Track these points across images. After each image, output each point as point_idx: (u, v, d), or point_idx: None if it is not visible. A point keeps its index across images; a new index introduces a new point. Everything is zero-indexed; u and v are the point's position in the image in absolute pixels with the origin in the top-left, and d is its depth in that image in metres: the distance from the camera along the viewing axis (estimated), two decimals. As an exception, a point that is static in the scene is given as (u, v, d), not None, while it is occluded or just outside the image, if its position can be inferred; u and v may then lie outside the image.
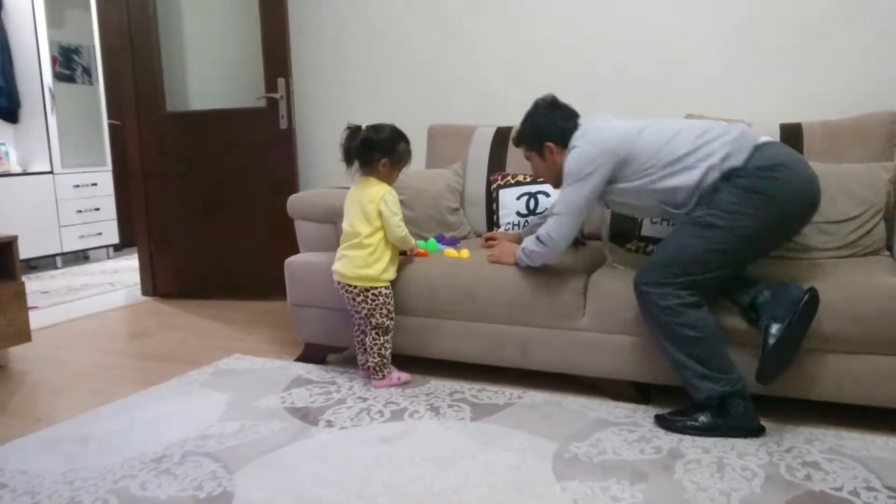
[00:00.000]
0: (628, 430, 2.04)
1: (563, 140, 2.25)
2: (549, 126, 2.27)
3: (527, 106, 2.75)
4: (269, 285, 3.68)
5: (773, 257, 2.39)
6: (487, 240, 2.74)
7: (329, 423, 2.14)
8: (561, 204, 2.18)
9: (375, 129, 2.38)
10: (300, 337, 2.77)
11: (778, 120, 2.68)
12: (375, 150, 2.36)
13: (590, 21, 3.17)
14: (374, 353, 2.40)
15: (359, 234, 2.35)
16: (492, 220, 3.01)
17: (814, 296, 1.90)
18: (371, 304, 2.37)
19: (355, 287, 2.36)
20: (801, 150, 2.55)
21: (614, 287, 2.22)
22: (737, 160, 1.98)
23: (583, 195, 2.14)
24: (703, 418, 2.00)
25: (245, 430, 2.11)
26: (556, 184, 2.31)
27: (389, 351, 2.42)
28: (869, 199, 2.34)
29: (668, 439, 1.97)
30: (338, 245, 2.72)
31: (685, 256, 1.99)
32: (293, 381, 2.53)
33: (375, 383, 2.43)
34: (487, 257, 2.45)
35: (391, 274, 2.41)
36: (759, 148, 2.01)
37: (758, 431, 1.98)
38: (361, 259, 2.35)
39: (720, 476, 1.75)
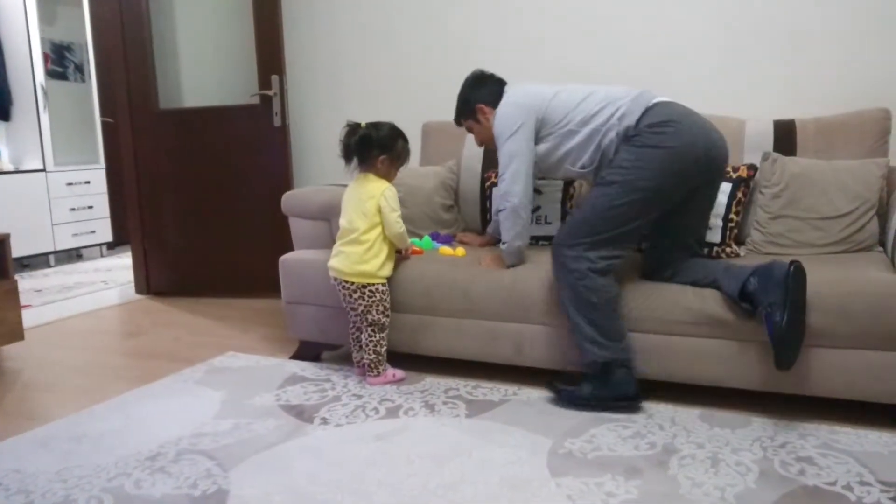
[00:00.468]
0: (623, 426, 2.04)
1: (494, 101, 2.40)
2: (477, 92, 2.44)
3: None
4: (264, 283, 3.67)
5: (766, 252, 2.40)
6: (461, 241, 2.80)
7: (324, 421, 2.13)
8: (503, 162, 2.28)
9: (375, 126, 2.39)
10: (294, 334, 2.77)
11: (771, 116, 2.69)
12: (374, 147, 2.36)
13: (582, 18, 3.17)
14: (369, 349, 2.40)
15: (356, 229, 2.34)
16: (485, 218, 3.01)
17: (798, 268, 1.91)
18: (368, 301, 2.37)
19: (352, 283, 2.36)
20: (794, 146, 2.57)
21: (609, 283, 2.23)
22: (630, 119, 2.12)
23: (519, 144, 2.25)
24: (585, 388, 2.14)
25: (240, 427, 2.11)
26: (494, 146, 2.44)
27: (385, 348, 2.42)
28: (862, 196, 2.35)
29: (663, 435, 1.97)
30: (333, 242, 2.73)
31: (592, 216, 2.12)
32: (288, 378, 2.53)
33: (370, 380, 2.43)
34: (481, 264, 2.45)
35: (388, 271, 2.41)
36: (652, 107, 2.13)
37: (637, 399, 2.12)
38: (358, 255, 2.34)
39: (714, 471, 1.75)
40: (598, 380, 2.13)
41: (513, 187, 2.25)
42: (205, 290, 3.96)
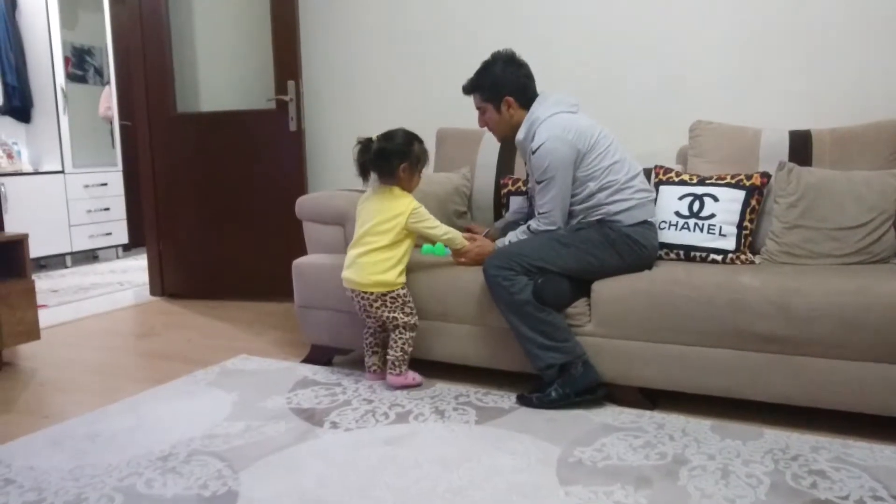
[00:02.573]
0: (633, 435, 2.03)
1: (524, 98, 2.38)
2: (511, 80, 2.37)
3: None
4: (277, 286, 3.69)
5: (781, 262, 2.39)
6: (468, 230, 2.71)
7: (334, 425, 2.14)
8: (551, 199, 2.31)
9: (387, 137, 2.38)
10: (307, 338, 2.78)
11: (787, 127, 2.67)
12: (392, 157, 2.36)
13: (599, 28, 3.17)
14: (396, 347, 2.40)
15: (376, 242, 2.34)
16: (499, 224, 3.01)
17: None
18: (391, 307, 2.37)
19: (371, 294, 2.36)
20: (810, 157, 2.55)
21: (619, 292, 2.22)
22: (626, 218, 2.29)
23: (566, 181, 2.29)
24: (553, 393, 2.21)
25: (251, 430, 2.12)
26: (504, 138, 2.48)
27: (411, 349, 2.43)
28: (878, 206, 2.33)
29: (674, 445, 1.96)
30: (345, 247, 2.73)
31: (530, 251, 2.25)
32: (299, 382, 2.54)
33: (392, 379, 2.42)
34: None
35: (404, 277, 2.42)
36: (648, 223, 2.33)
37: (598, 388, 2.21)
38: (376, 265, 2.34)
39: (725, 483, 1.74)
40: (560, 380, 2.21)
41: (555, 212, 2.32)
42: (219, 292, 3.99)
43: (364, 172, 2.39)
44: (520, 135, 2.40)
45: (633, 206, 2.32)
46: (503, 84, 2.37)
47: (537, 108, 2.35)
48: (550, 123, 2.30)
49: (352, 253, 2.40)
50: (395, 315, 2.38)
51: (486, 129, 2.51)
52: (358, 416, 2.21)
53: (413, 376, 2.45)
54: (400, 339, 2.40)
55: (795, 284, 2.05)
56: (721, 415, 2.17)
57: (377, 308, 2.37)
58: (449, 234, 2.42)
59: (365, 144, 2.38)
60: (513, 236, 2.40)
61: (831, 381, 1.99)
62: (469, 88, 2.45)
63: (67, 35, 5.15)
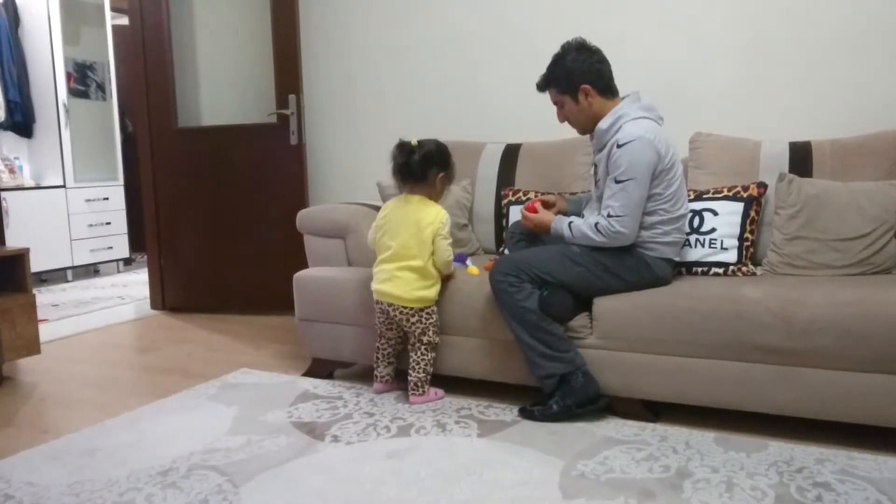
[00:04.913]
0: (636, 448, 2.02)
1: (601, 85, 2.29)
2: (585, 68, 2.27)
3: (535, 124, 2.75)
4: (279, 300, 3.68)
5: (783, 273, 2.38)
6: (539, 203, 2.48)
7: (335, 439, 2.13)
8: (624, 205, 2.18)
9: (428, 142, 2.38)
10: (307, 352, 2.77)
11: (787, 138, 2.68)
12: (434, 164, 2.36)
13: (598, 41, 3.18)
14: (419, 368, 2.39)
15: (414, 257, 2.33)
16: (501, 237, 3.01)
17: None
18: (425, 323, 2.37)
19: (410, 308, 2.35)
20: (810, 168, 2.55)
21: (620, 305, 2.22)
22: (657, 249, 2.26)
23: (644, 187, 2.19)
24: (554, 405, 2.20)
25: (251, 444, 2.10)
26: (584, 130, 2.38)
27: (433, 368, 2.42)
28: (880, 217, 2.32)
29: (677, 458, 1.95)
30: (346, 260, 2.73)
31: (538, 261, 2.23)
32: (300, 395, 2.53)
33: (415, 399, 2.40)
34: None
35: (438, 293, 2.42)
36: (671, 262, 2.32)
37: (600, 399, 2.21)
38: (419, 282, 2.34)
39: (729, 496, 1.73)
40: (560, 391, 2.20)
41: (626, 219, 2.18)
42: (220, 306, 3.98)
43: (406, 175, 2.36)
44: (603, 124, 2.26)
45: (669, 242, 2.28)
46: (578, 73, 2.26)
47: (628, 105, 2.26)
48: (642, 125, 2.20)
49: (387, 267, 2.36)
50: (427, 331, 2.37)
51: (486, 140, 2.50)
52: (359, 429, 2.20)
53: (435, 391, 2.44)
54: (423, 359, 2.39)
55: (797, 296, 2.05)
56: (725, 427, 2.16)
57: (413, 323, 2.36)
58: (451, 259, 2.42)
59: (407, 146, 2.36)
60: (576, 226, 2.25)
61: (835, 393, 1.98)
62: (543, 84, 2.35)
63: (70, 51, 5.17)
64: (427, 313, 2.38)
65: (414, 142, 2.37)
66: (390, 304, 2.37)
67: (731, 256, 2.42)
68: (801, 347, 1.99)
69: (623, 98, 2.32)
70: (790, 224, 2.43)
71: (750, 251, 2.45)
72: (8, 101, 4.93)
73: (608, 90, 2.31)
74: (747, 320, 2.05)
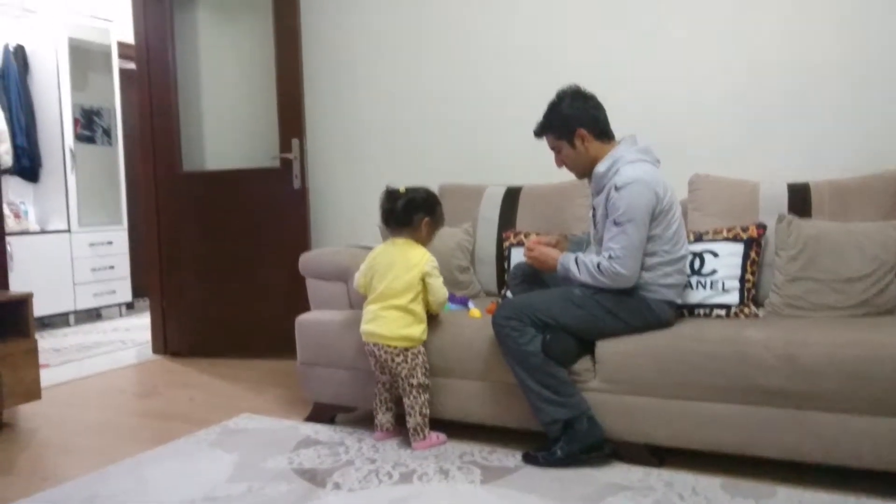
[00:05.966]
0: (642, 494, 1.99)
1: (597, 130, 2.33)
2: (581, 114, 2.32)
3: (535, 166, 2.78)
4: (281, 344, 3.67)
5: (785, 315, 2.38)
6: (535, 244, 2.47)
7: (337, 486, 2.10)
8: (624, 247, 2.18)
9: (415, 190, 2.45)
10: (309, 396, 2.75)
11: (785, 179, 2.70)
12: (419, 209, 2.42)
13: (596, 85, 3.23)
14: (415, 412, 2.37)
15: (399, 296, 2.36)
16: (502, 279, 3.01)
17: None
18: (411, 364, 2.36)
19: (394, 348, 2.36)
20: (809, 209, 2.57)
21: (623, 347, 2.21)
22: (658, 291, 2.25)
23: (643, 228, 2.20)
24: (559, 451, 2.18)
25: (252, 491, 2.08)
26: (582, 174, 2.41)
27: (428, 410, 2.40)
28: (880, 258, 2.33)
29: (684, 504, 1.92)
30: (349, 303, 2.74)
31: (541, 303, 2.24)
32: (301, 441, 2.51)
33: (417, 445, 2.38)
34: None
35: (426, 334, 2.42)
36: (673, 304, 2.31)
37: (604, 444, 2.19)
38: (403, 320, 2.36)
39: (738, 543, 1.69)
40: (565, 436, 2.18)
41: (627, 260, 2.18)
42: (222, 350, 3.97)
43: (391, 220, 2.43)
44: (600, 167, 2.30)
45: (670, 283, 2.28)
46: (574, 118, 2.31)
47: (624, 149, 2.29)
48: (639, 167, 2.23)
49: (373, 307, 2.40)
50: (414, 372, 2.36)
51: (486, 183, 2.52)
52: (361, 476, 2.17)
53: (437, 436, 2.42)
54: (416, 402, 2.37)
55: (800, 337, 2.04)
56: (732, 472, 2.13)
57: (398, 364, 2.36)
58: (446, 298, 2.45)
59: (394, 193, 2.44)
60: (582, 262, 2.25)
61: (842, 437, 1.96)
62: (540, 130, 2.40)
63: (77, 96, 5.25)
64: (413, 354, 2.37)
65: (402, 189, 2.44)
66: (376, 344, 2.38)
67: (732, 298, 2.42)
68: (806, 390, 1.98)
69: (619, 142, 2.36)
70: (791, 265, 2.43)
71: (752, 292, 2.45)
72: (15, 147, 4.99)
73: (604, 134, 2.35)
74: (751, 362, 2.04)
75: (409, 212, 2.42)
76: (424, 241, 2.46)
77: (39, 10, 5.05)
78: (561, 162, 2.42)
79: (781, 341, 2.04)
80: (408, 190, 2.44)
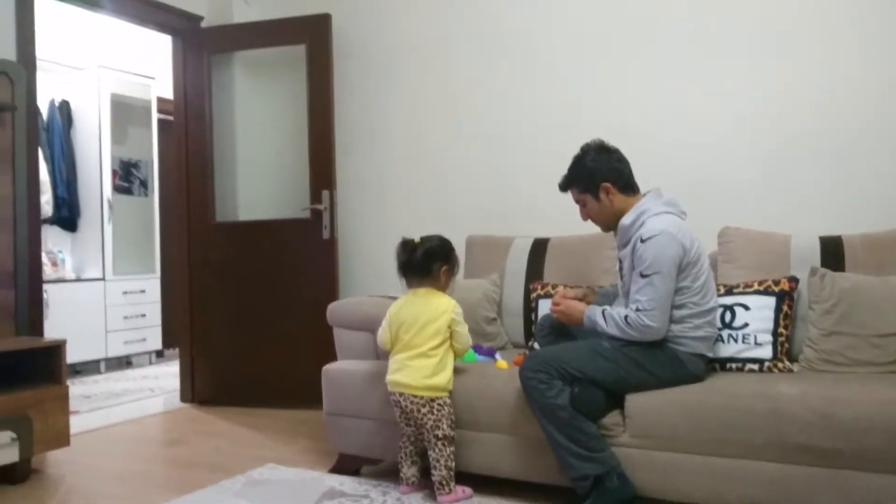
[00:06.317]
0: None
1: (621, 183, 2.34)
2: (605, 167, 2.35)
3: (562, 217, 2.79)
4: (308, 393, 3.66)
5: (821, 370, 2.32)
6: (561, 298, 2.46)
7: (361, 540, 2.07)
8: (652, 299, 2.17)
9: (429, 239, 2.47)
10: (335, 447, 2.73)
11: (817, 233, 2.66)
12: (437, 259, 2.44)
13: (626, 138, 3.25)
14: (440, 465, 2.33)
15: (424, 344, 2.35)
16: (530, 330, 3.00)
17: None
18: (437, 415, 2.34)
19: (421, 397, 2.34)
20: (842, 262, 2.53)
21: (653, 401, 2.17)
22: (688, 344, 2.23)
23: (671, 280, 2.19)
24: None
25: (275, 544, 2.05)
26: (608, 227, 2.41)
27: (454, 463, 2.36)
28: (918, 313, 2.27)
29: (719, 567, 1.84)
30: (376, 353, 2.74)
31: (568, 356, 2.21)
32: (325, 493, 2.48)
33: (443, 498, 2.33)
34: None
35: (452, 383, 2.41)
36: (704, 357, 2.28)
37: (635, 501, 2.12)
38: (429, 369, 2.34)
39: None
40: (595, 493, 2.12)
41: (655, 312, 2.17)
42: (249, 399, 3.97)
43: (410, 270, 2.45)
44: (626, 220, 2.31)
45: (700, 336, 2.25)
46: (598, 172, 2.34)
47: (649, 201, 2.31)
48: (665, 219, 2.24)
49: (400, 357, 2.39)
50: (440, 424, 2.33)
51: (514, 234, 2.53)
52: (386, 530, 2.13)
53: (463, 490, 2.38)
54: (442, 455, 2.33)
55: (839, 393, 1.99)
56: (768, 534, 2.05)
57: (424, 414, 2.33)
58: (470, 345, 2.45)
59: (410, 244, 2.46)
60: (609, 315, 2.24)
61: (884, 498, 1.88)
62: (565, 184, 2.44)
63: (116, 149, 5.42)
64: (439, 404, 2.34)
65: (417, 239, 2.46)
66: (402, 394, 2.36)
67: (766, 352, 2.38)
68: (845, 448, 1.91)
69: (644, 195, 2.37)
70: (826, 319, 2.38)
71: (785, 347, 2.40)
72: (56, 198, 5.15)
73: (629, 188, 2.37)
74: (787, 419, 1.98)
75: (428, 262, 2.43)
76: (444, 289, 2.47)
77: (87, 68, 5.27)
78: (586, 215, 2.44)
79: (818, 397, 1.99)
80: (422, 239, 2.46)
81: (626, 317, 2.20)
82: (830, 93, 2.90)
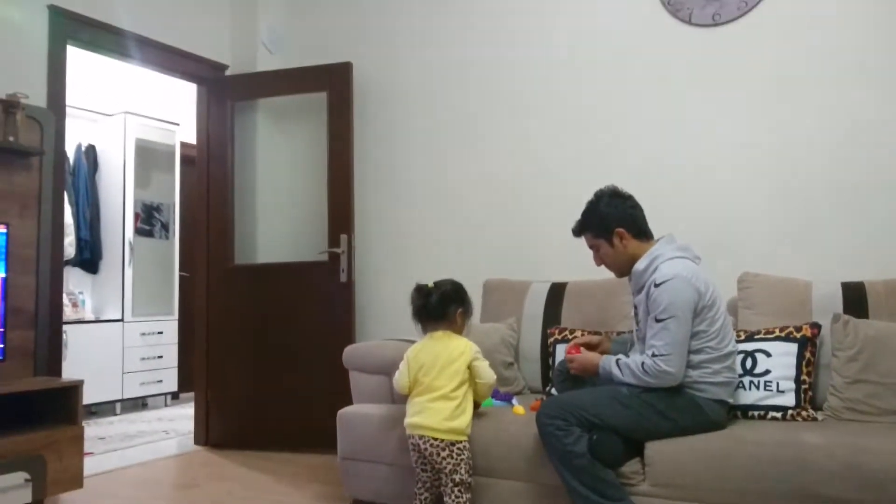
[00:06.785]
0: None
1: (635, 228, 2.34)
2: (619, 213, 2.36)
3: (580, 262, 2.79)
4: (323, 438, 3.62)
5: (846, 419, 2.26)
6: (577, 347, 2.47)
7: (374, 589, 2.02)
8: (668, 343, 2.15)
9: (443, 283, 2.49)
10: (348, 492, 2.69)
11: (839, 279, 2.63)
12: (452, 302, 2.46)
13: (642, 181, 3.26)
14: None
15: (444, 387, 2.34)
16: (547, 376, 2.96)
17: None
18: (456, 459, 2.30)
19: (441, 441, 2.31)
20: (865, 309, 2.49)
21: (673, 449, 2.13)
22: (708, 390, 2.19)
23: (687, 325, 2.17)
24: None
25: (286, 592, 2.01)
26: (622, 273, 2.40)
27: None
28: (945, 361, 2.23)
29: None
30: (391, 397, 2.72)
31: (587, 402, 2.18)
32: (339, 540, 2.43)
33: None
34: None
35: (471, 427, 2.38)
36: (724, 403, 2.25)
37: None
38: (449, 411, 2.32)
39: None
40: None
41: (671, 357, 2.15)
42: (264, 443, 3.93)
43: (427, 315, 2.45)
44: (639, 265, 2.31)
45: (720, 382, 2.22)
46: (611, 218, 2.35)
47: (663, 246, 2.31)
48: (678, 263, 2.24)
49: (419, 399, 2.37)
50: (458, 469, 2.29)
51: (531, 279, 2.53)
52: (399, 579, 2.08)
53: None
54: (458, 501, 2.28)
55: (865, 443, 1.94)
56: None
57: (443, 458, 2.30)
58: (494, 381, 2.43)
59: (424, 289, 2.48)
60: (625, 364, 2.22)
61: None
62: (578, 229, 2.45)
63: (139, 193, 5.52)
64: (458, 449, 2.31)
65: (430, 284, 2.48)
66: (421, 437, 2.32)
67: (788, 400, 2.33)
68: (871, 500, 1.86)
69: (658, 240, 2.37)
70: (850, 367, 2.34)
71: (808, 394, 2.36)
72: (79, 240, 5.23)
73: (642, 233, 2.37)
74: (812, 469, 1.93)
75: (444, 305, 2.45)
76: (460, 331, 2.47)
77: (113, 114, 5.41)
78: (600, 260, 2.44)
79: (845, 447, 1.94)
80: (436, 284, 2.49)
81: (641, 363, 2.18)
82: (848, 137, 2.90)
